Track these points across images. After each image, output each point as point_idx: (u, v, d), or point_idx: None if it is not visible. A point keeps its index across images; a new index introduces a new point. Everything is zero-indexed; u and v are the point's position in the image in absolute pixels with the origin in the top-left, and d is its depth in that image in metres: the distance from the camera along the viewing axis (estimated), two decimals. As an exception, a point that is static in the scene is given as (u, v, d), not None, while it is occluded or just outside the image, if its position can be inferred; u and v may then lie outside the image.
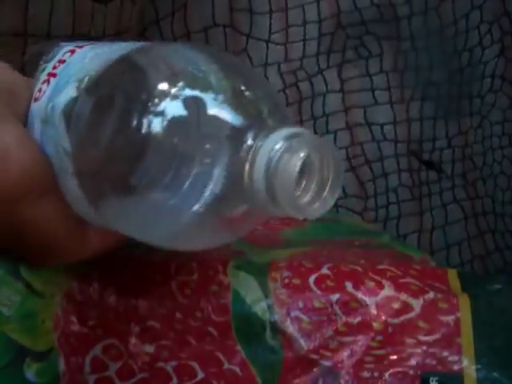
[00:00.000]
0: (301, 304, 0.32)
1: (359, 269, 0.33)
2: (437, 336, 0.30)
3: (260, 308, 0.32)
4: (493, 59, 0.56)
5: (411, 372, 0.30)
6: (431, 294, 0.31)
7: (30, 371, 0.33)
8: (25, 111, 0.26)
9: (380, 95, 0.55)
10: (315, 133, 0.55)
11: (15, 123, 0.25)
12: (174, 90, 0.25)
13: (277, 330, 0.31)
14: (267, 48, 0.54)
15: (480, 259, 0.57)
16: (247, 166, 0.25)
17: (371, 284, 0.32)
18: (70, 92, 0.26)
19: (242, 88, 0.27)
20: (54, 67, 0.28)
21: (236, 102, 0.26)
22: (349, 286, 0.32)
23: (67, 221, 0.26)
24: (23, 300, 0.33)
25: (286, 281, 0.33)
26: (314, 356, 0.31)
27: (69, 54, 0.28)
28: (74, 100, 0.26)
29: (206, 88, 0.26)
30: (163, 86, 0.25)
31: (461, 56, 0.56)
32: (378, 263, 0.34)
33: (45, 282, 0.34)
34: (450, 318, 0.31)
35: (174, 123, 0.25)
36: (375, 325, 0.31)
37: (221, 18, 0.51)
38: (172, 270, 0.33)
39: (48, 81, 0.27)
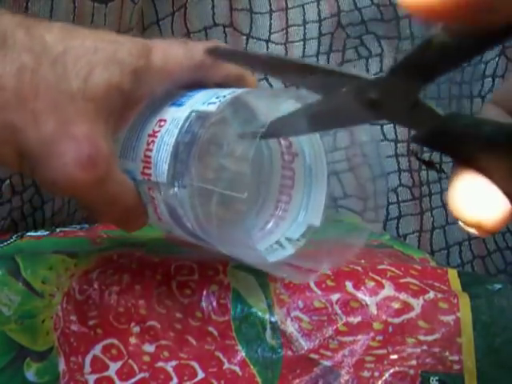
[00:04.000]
0: (301, 304, 0.32)
1: (359, 269, 0.33)
2: (437, 336, 0.30)
3: (260, 308, 0.32)
4: (493, 59, 0.56)
5: (412, 371, 0.30)
6: (431, 294, 0.31)
7: (30, 371, 0.33)
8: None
9: (380, 95, 0.55)
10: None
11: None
12: None
13: (277, 330, 0.31)
14: (267, 48, 0.54)
15: (480, 259, 0.56)
16: None
17: (371, 284, 0.32)
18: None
19: None
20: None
21: None
22: (349, 285, 0.32)
23: None
24: (23, 300, 0.33)
25: (286, 281, 0.32)
26: (314, 356, 0.31)
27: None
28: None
29: None
30: None
31: (461, 56, 0.56)
32: (378, 263, 0.34)
33: (45, 282, 0.34)
34: (450, 318, 0.31)
35: None
36: (375, 325, 0.31)
37: (221, 17, 0.51)
38: (172, 270, 0.33)
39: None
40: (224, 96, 0.28)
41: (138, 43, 0.29)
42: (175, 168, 0.27)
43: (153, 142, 0.29)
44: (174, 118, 0.29)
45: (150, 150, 0.29)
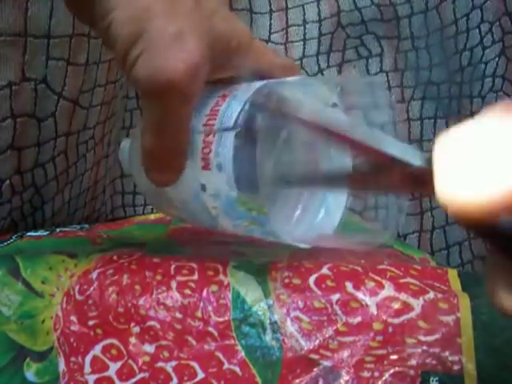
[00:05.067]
0: (301, 304, 0.32)
1: (359, 269, 0.33)
2: (437, 336, 0.30)
3: (260, 308, 0.32)
4: (493, 59, 0.56)
5: (411, 372, 0.30)
6: (431, 294, 0.31)
7: (30, 371, 0.33)
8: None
9: (380, 95, 0.55)
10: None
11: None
12: None
13: (277, 330, 0.31)
14: (267, 48, 0.54)
15: (480, 259, 0.56)
16: None
17: (371, 284, 0.32)
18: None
19: None
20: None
21: None
22: (349, 286, 0.32)
23: None
24: (23, 300, 0.33)
25: (286, 281, 0.32)
26: (314, 356, 0.31)
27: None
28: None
29: None
30: None
31: (461, 56, 0.56)
32: (378, 263, 0.34)
33: (45, 282, 0.34)
34: (450, 318, 0.31)
35: None
36: (375, 325, 0.31)
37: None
38: (172, 270, 0.33)
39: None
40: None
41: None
42: (246, 114, 0.30)
43: (223, 100, 0.31)
44: (249, 85, 0.32)
45: (219, 106, 0.31)
